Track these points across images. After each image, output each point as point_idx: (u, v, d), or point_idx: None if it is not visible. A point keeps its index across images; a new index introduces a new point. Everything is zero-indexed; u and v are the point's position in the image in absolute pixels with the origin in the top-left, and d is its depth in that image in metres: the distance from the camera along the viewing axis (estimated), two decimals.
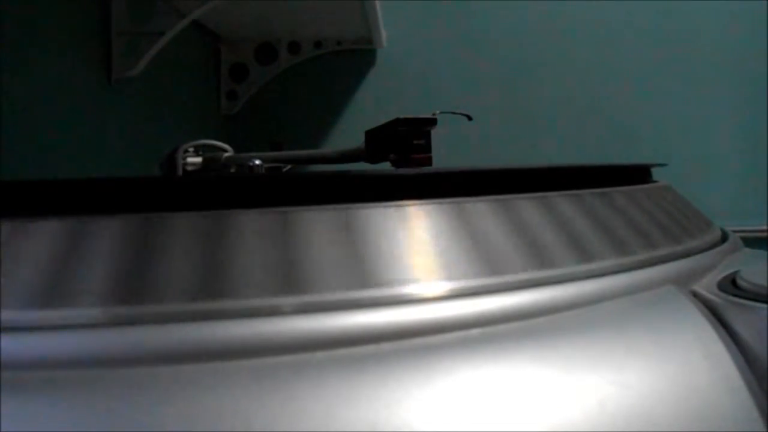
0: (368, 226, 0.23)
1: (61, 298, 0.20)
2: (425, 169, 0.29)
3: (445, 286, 0.22)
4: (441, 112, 0.46)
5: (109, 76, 0.86)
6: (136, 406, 0.17)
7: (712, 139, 1.28)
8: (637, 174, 0.37)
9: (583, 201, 0.28)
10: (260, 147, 0.66)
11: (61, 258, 0.21)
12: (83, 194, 0.24)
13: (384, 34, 1.25)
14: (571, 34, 1.30)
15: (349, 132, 1.29)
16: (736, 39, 1.28)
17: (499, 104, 1.29)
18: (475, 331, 0.21)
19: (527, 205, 0.26)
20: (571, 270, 0.25)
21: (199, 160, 0.62)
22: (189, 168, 0.61)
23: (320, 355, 0.19)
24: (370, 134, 0.49)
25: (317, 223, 0.23)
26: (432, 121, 0.45)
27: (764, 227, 1.17)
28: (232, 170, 0.59)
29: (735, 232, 0.38)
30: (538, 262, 0.24)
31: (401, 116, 0.44)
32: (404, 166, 0.44)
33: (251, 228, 0.22)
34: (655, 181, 0.39)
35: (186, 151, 0.62)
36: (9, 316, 0.20)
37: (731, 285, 0.26)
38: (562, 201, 0.28)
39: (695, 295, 0.26)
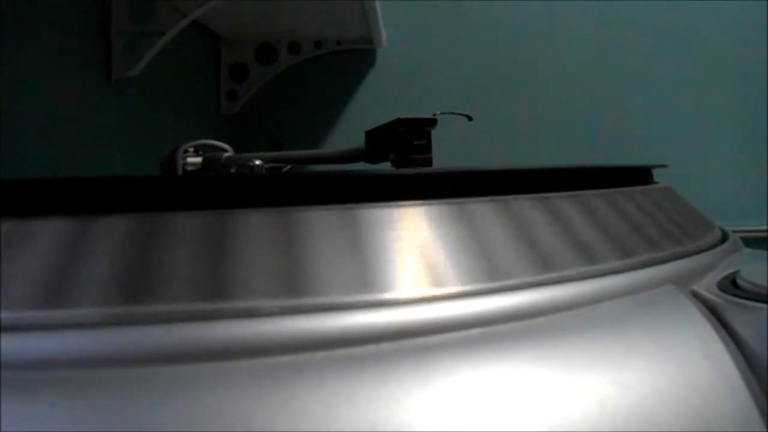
0: (369, 226, 0.23)
1: (62, 298, 0.20)
2: (426, 169, 0.29)
3: (445, 287, 0.22)
4: (441, 113, 0.46)
5: (109, 76, 0.86)
6: (136, 406, 0.17)
7: (712, 139, 1.28)
8: (638, 175, 0.37)
9: (584, 202, 0.28)
10: (260, 147, 0.66)
11: (62, 258, 0.21)
12: (84, 194, 0.24)
13: (384, 34, 1.25)
14: (571, 34, 1.30)
15: (349, 132, 1.29)
16: (736, 39, 1.28)
17: (499, 104, 1.29)
18: (475, 331, 0.21)
19: (528, 206, 0.26)
20: (571, 270, 0.25)
21: (199, 160, 0.62)
22: (189, 168, 0.61)
23: (320, 355, 0.19)
24: (370, 134, 0.49)
25: (319, 223, 0.23)
26: (432, 122, 0.45)
27: (764, 227, 1.17)
28: (233, 170, 0.59)
29: (735, 232, 0.38)
30: (538, 263, 0.24)
31: (401, 116, 0.44)
32: (404, 166, 0.44)
33: (253, 228, 0.22)
34: (656, 182, 0.39)
35: (186, 151, 0.62)
36: (10, 315, 0.20)
37: (731, 285, 0.26)
38: (563, 202, 0.28)
39: (695, 295, 0.26)
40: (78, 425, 0.17)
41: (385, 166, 0.47)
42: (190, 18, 0.89)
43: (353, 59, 1.31)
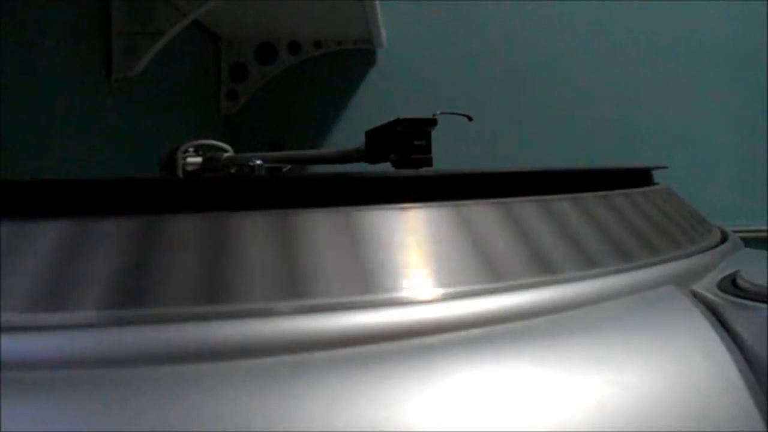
0: (369, 228, 0.23)
1: (62, 301, 0.20)
2: (426, 172, 0.29)
3: (445, 287, 0.22)
4: (441, 113, 0.46)
5: (109, 76, 0.86)
6: (136, 406, 0.17)
7: (712, 140, 1.28)
8: (638, 177, 0.37)
9: (584, 204, 0.28)
10: (260, 147, 0.66)
11: (62, 260, 0.21)
12: (84, 196, 0.24)
13: (384, 34, 1.25)
14: (570, 34, 1.30)
15: (349, 132, 1.29)
16: (736, 39, 1.28)
17: (499, 105, 1.29)
18: (475, 332, 0.21)
19: (528, 208, 0.26)
20: (571, 271, 0.25)
21: (199, 160, 0.62)
22: (189, 168, 0.61)
23: (320, 355, 0.19)
24: (370, 134, 0.49)
25: (318, 225, 0.23)
26: (432, 122, 0.45)
27: (764, 227, 1.17)
28: (233, 170, 0.59)
29: (735, 232, 0.38)
30: (538, 264, 0.24)
31: (401, 116, 0.45)
32: (404, 166, 0.44)
33: (252, 230, 0.22)
34: (656, 183, 0.39)
35: (186, 151, 0.62)
36: (10, 317, 0.20)
37: (731, 285, 0.26)
38: (563, 204, 0.28)
39: (695, 295, 0.26)
40: (78, 425, 0.17)
41: (385, 166, 0.47)
42: (190, 18, 0.89)
43: (353, 59, 1.31)
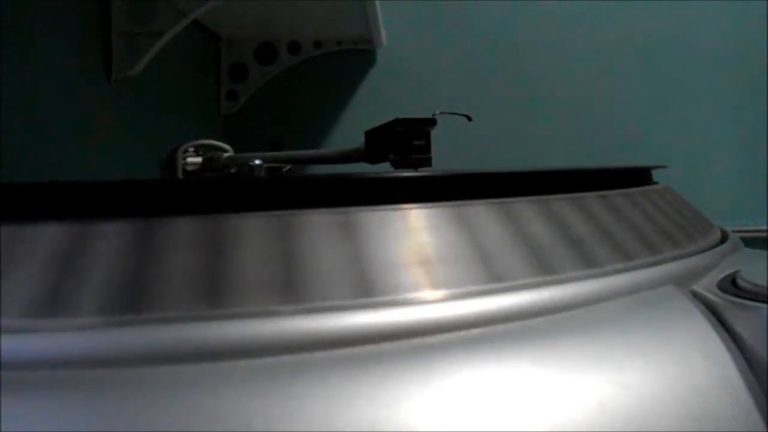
0: (369, 229, 0.23)
1: (63, 301, 0.20)
2: (426, 172, 0.29)
3: (444, 288, 0.22)
4: (441, 113, 0.45)
5: (109, 76, 0.86)
6: (136, 406, 0.17)
7: (712, 140, 1.28)
8: (638, 176, 0.37)
9: (584, 203, 0.28)
10: (260, 147, 0.66)
11: (61, 263, 0.21)
12: (83, 199, 0.24)
13: (384, 34, 1.25)
14: (570, 34, 1.30)
15: (349, 132, 1.29)
16: (736, 39, 1.28)
17: (498, 105, 1.29)
18: (475, 332, 0.21)
19: (527, 208, 0.26)
20: (571, 271, 0.25)
21: (199, 160, 0.62)
22: (189, 168, 0.61)
23: (320, 355, 0.19)
24: (369, 134, 0.49)
25: (317, 226, 0.23)
26: (431, 122, 0.45)
27: (764, 227, 1.17)
28: (233, 170, 0.59)
29: (735, 232, 0.38)
30: (538, 264, 0.24)
31: (401, 116, 0.44)
32: (404, 166, 0.44)
33: (251, 231, 0.22)
34: (656, 183, 0.39)
35: (186, 151, 0.62)
36: (10, 320, 0.20)
37: (731, 285, 0.26)
38: (563, 204, 0.28)
39: (695, 295, 0.26)
40: (78, 425, 0.17)
41: (385, 166, 0.47)
42: (190, 18, 0.89)
43: (353, 59, 1.31)
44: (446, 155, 0.52)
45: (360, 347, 0.20)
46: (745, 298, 0.24)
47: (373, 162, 0.49)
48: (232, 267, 0.21)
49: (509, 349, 0.20)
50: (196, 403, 0.17)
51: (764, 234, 1.17)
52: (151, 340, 0.19)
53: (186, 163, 0.62)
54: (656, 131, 1.28)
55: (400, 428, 0.18)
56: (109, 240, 0.21)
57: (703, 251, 0.31)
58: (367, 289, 0.21)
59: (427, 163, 0.44)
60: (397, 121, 0.44)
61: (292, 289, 0.21)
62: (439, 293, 0.22)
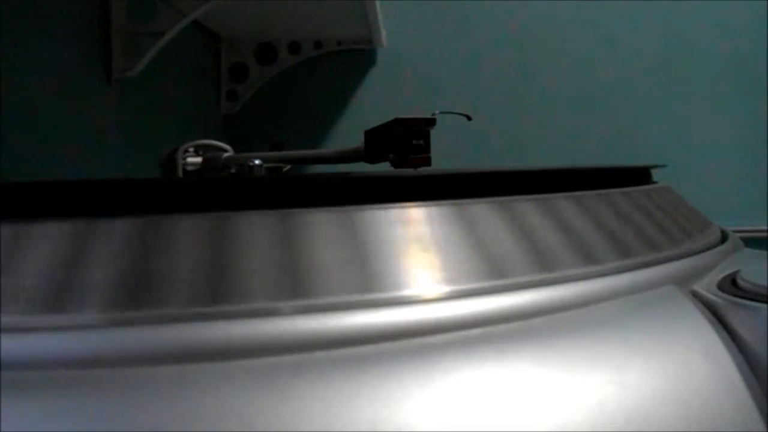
0: (369, 228, 0.23)
1: (64, 301, 0.20)
2: (427, 171, 0.29)
3: (444, 288, 0.22)
4: (440, 112, 0.45)
5: (109, 76, 0.86)
6: (137, 406, 0.17)
7: (712, 140, 1.28)
8: (638, 175, 0.37)
9: (583, 203, 0.28)
10: (260, 147, 0.66)
11: (63, 261, 0.21)
12: (86, 197, 0.24)
13: (384, 34, 1.25)
14: (570, 34, 1.30)
15: (349, 132, 1.29)
16: (736, 39, 1.28)
17: (498, 104, 1.29)
18: (475, 331, 0.21)
19: (528, 207, 0.26)
20: (571, 271, 0.25)
21: (199, 160, 0.62)
22: (189, 168, 0.61)
23: (320, 355, 0.19)
24: (369, 134, 0.49)
25: (320, 225, 0.23)
26: (431, 122, 0.45)
27: (764, 227, 1.17)
28: (233, 170, 0.59)
29: (735, 232, 0.37)
30: (538, 264, 0.24)
31: (400, 116, 0.44)
32: (403, 166, 0.44)
33: (254, 230, 0.22)
34: (655, 182, 0.39)
35: (186, 151, 0.62)
36: (11, 318, 0.20)
37: (731, 285, 0.26)
38: (562, 203, 0.28)
39: (695, 295, 0.26)
40: (78, 425, 0.17)
41: (385, 166, 0.47)
42: (190, 18, 0.89)
43: (353, 59, 1.31)
44: (446, 155, 0.52)
45: (360, 347, 0.20)
46: (745, 298, 0.24)
47: (372, 162, 0.49)
48: (235, 265, 0.21)
49: (509, 349, 0.20)
50: (196, 403, 0.17)
51: (764, 234, 1.17)
52: (152, 339, 0.19)
53: (186, 163, 0.62)
54: (656, 131, 1.28)
55: (400, 428, 0.18)
56: (112, 238, 0.21)
57: (703, 251, 0.31)
58: (367, 287, 0.21)
59: (427, 162, 0.44)
60: (396, 121, 0.44)
61: (292, 287, 0.21)
62: (439, 292, 0.22)
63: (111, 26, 0.86)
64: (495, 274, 0.23)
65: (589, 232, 0.27)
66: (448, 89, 1.29)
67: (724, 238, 0.36)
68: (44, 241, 0.21)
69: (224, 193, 0.24)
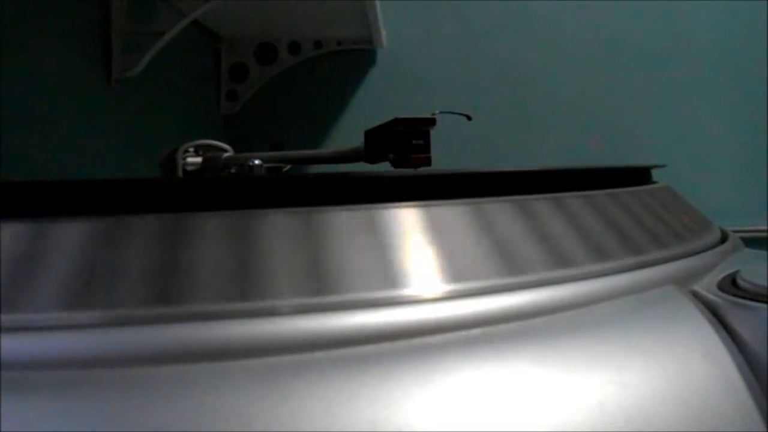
0: (391, 225, 0.23)
1: (61, 300, 0.20)
2: (432, 171, 0.29)
3: (444, 287, 0.22)
4: (440, 112, 0.45)
5: (109, 76, 0.86)
6: (136, 406, 0.17)
7: (712, 140, 1.28)
8: (637, 175, 0.37)
9: (581, 203, 0.28)
10: (260, 147, 0.66)
11: (81, 260, 0.21)
12: (109, 196, 0.24)
13: (384, 34, 1.25)
14: (570, 34, 1.30)
15: (349, 132, 1.29)
16: (736, 39, 1.28)
17: (498, 104, 1.29)
18: (475, 331, 0.21)
19: (541, 206, 0.26)
20: (570, 271, 0.25)
21: (199, 160, 0.62)
22: (189, 168, 0.61)
23: (320, 355, 0.19)
24: (369, 134, 0.49)
25: (337, 223, 0.23)
26: (431, 121, 0.44)
27: (764, 227, 1.17)
28: (233, 170, 0.59)
29: (735, 232, 0.37)
30: (538, 265, 0.24)
31: (400, 116, 0.44)
32: (403, 166, 0.44)
33: (277, 229, 0.22)
34: (655, 182, 0.39)
35: (186, 151, 0.62)
36: (11, 317, 0.20)
37: (731, 285, 0.26)
38: (554, 203, 0.28)
39: (695, 295, 0.26)
40: (78, 425, 0.17)
41: (385, 166, 0.47)
42: (190, 18, 0.89)
43: (353, 59, 1.31)
44: (446, 155, 0.52)
45: (360, 347, 0.20)
46: (745, 298, 0.24)
47: (372, 162, 0.49)
48: (257, 262, 0.21)
49: (509, 349, 0.20)
50: (196, 403, 0.17)
51: (764, 234, 1.17)
52: (151, 339, 0.19)
53: (186, 163, 0.61)
54: (656, 131, 1.28)
55: (400, 428, 0.18)
56: (136, 236, 0.21)
57: (703, 251, 0.31)
58: (367, 286, 0.21)
59: (427, 162, 0.44)
60: (396, 121, 0.44)
61: (292, 287, 0.21)
62: (439, 292, 0.22)
63: (111, 26, 0.86)
64: (494, 275, 0.23)
65: (588, 233, 0.27)
66: (448, 89, 1.29)
67: (724, 238, 0.36)
68: (66, 240, 0.21)
69: (245, 191, 0.24)
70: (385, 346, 0.20)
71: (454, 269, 0.23)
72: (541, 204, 0.27)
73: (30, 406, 0.17)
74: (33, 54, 0.70)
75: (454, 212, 0.25)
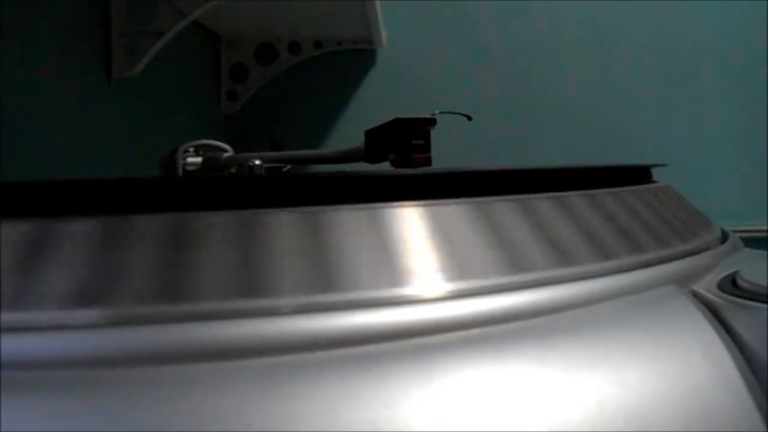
0: (394, 224, 0.23)
1: (60, 300, 0.20)
2: (433, 170, 0.29)
3: (444, 287, 0.22)
4: (440, 112, 0.45)
5: (109, 76, 0.86)
6: (137, 406, 0.17)
7: (712, 140, 1.28)
8: (639, 174, 0.37)
9: (580, 202, 0.28)
10: (260, 147, 0.66)
11: (90, 258, 0.21)
12: (110, 194, 0.24)
13: (384, 34, 1.25)
14: (570, 34, 1.30)
15: (349, 132, 1.29)
16: (736, 39, 1.28)
17: (498, 104, 1.29)
18: (474, 331, 0.21)
19: (544, 205, 0.26)
20: (570, 271, 0.25)
21: (199, 160, 0.62)
22: (189, 168, 0.61)
23: (320, 355, 0.19)
24: (369, 134, 0.49)
25: (342, 222, 0.23)
26: (431, 121, 0.45)
27: (764, 227, 1.17)
28: (233, 170, 0.59)
29: (735, 232, 0.37)
30: (537, 265, 0.24)
31: (400, 116, 0.44)
32: (403, 166, 0.44)
33: (281, 228, 0.22)
34: (655, 182, 0.39)
35: (186, 151, 0.62)
36: (11, 317, 0.20)
37: (731, 285, 0.26)
38: (555, 203, 0.28)
39: (695, 295, 0.26)
40: (78, 425, 0.17)
41: (385, 166, 0.47)
42: (190, 18, 0.89)
43: (353, 59, 1.31)
44: (446, 155, 0.52)
45: (360, 347, 0.20)
46: (745, 298, 0.24)
47: (373, 162, 0.49)
48: (265, 261, 0.21)
49: (509, 349, 0.20)
50: (196, 403, 0.17)
51: (764, 234, 1.17)
52: (151, 339, 0.19)
53: (186, 163, 0.62)
54: (656, 131, 1.28)
55: (400, 428, 0.18)
56: (138, 236, 0.21)
57: (703, 251, 0.31)
58: (366, 287, 0.21)
59: (427, 162, 0.44)
60: (396, 121, 0.44)
61: (294, 287, 0.21)
62: (439, 292, 0.22)
63: (111, 26, 0.86)
64: (493, 275, 0.23)
65: (588, 233, 0.27)
66: (448, 89, 1.29)
67: (724, 238, 0.36)
68: (71, 239, 0.21)
69: (250, 190, 0.24)
70: (385, 346, 0.20)
71: (455, 268, 0.23)
72: (543, 203, 0.27)
73: (30, 406, 0.17)
74: (33, 54, 0.70)
75: (457, 211, 0.25)
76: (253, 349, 0.19)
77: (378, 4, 1.08)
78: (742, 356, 0.23)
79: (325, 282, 0.21)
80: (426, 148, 0.44)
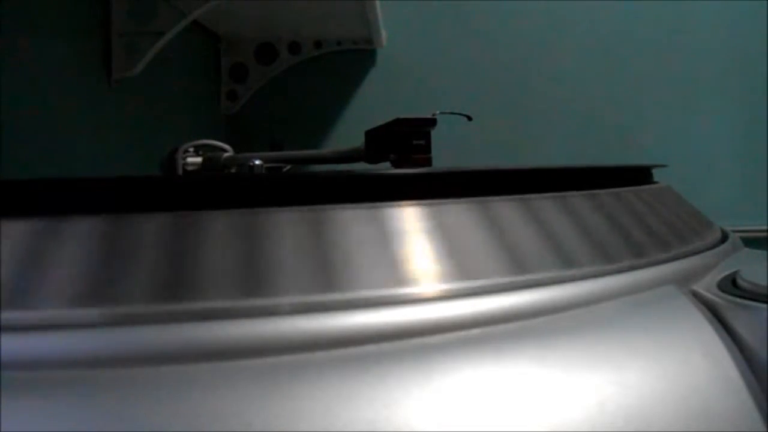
0: (395, 224, 0.23)
1: (70, 299, 0.20)
2: (446, 169, 0.29)
3: (444, 287, 0.22)
4: (441, 113, 0.46)
5: (109, 76, 0.86)
6: (136, 406, 0.17)
7: (712, 140, 1.28)
8: (639, 175, 0.37)
9: (582, 202, 0.28)
10: (260, 147, 0.66)
11: (92, 257, 0.21)
12: (113, 193, 0.24)
13: (384, 34, 1.25)
14: (571, 33, 1.30)
15: (349, 132, 1.29)
16: (736, 39, 1.28)
17: (499, 105, 1.29)
18: (475, 331, 0.21)
19: (545, 205, 0.26)
20: (570, 272, 0.25)
21: (199, 160, 0.62)
22: (189, 168, 0.61)
23: (320, 355, 0.19)
24: (369, 134, 0.49)
25: (344, 222, 0.23)
26: (431, 122, 0.45)
27: (764, 227, 1.17)
28: (233, 170, 0.59)
29: (735, 232, 0.37)
30: (537, 265, 0.24)
31: (401, 116, 0.45)
32: (404, 166, 0.44)
33: (283, 227, 0.22)
34: (656, 182, 0.39)
35: (186, 151, 0.62)
36: (10, 316, 0.20)
37: (731, 285, 0.26)
38: (556, 203, 0.28)
39: (695, 295, 0.26)
40: (78, 425, 0.17)
41: (385, 166, 0.47)
42: (190, 18, 0.89)
43: (353, 59, 1.31)
44: (446, 155, 0.52)
45: (360, 347, 0.20)
46: (745, 298, 0.24)
47: (373, 162, 0.49)
48: (266, 259, 0.21)
49: (509, 349, 0.20)
50: (196, 403, 0.17)
51: (764, 234, 1.17)
52: (151, 339, 0.19)
53: (186, 163, 0.62)
54: (656, 131, 1.28)
55: (400, 428, 0.18)
56: (140, 235, 0.21)
57: (703, 251, 0.31)
58: (366, 286, 0.21)
59: (428, 162, 0.44)
60: (397, 121, 0.44)
61: (294, 287, 0.21)
62: (441, 291, 0.22)
63: (111, 26, 0.86)
64: (493, 275, 0.23)
65: (588, 233, 0.27)
66: (448, 89, 1.29)
67: (724, 238, 0.36)
68: (74, 238, 0.21)
69: (252, 190, 0.24)
70: (385, 346, 0.20)
71: (455, 268, 0.23)
72: (545, 203, 0.27)
73: (30, 406, 0.17)
74: (33, 54, 0.70)
75: (458, 211, 0.25)
76: (253, 349, 0.19)
77: (378, 4, 1.08)
78: (742, 356, 0.23)
79: (326, 282, 0.21)
80: (426, 148, 0.44)
